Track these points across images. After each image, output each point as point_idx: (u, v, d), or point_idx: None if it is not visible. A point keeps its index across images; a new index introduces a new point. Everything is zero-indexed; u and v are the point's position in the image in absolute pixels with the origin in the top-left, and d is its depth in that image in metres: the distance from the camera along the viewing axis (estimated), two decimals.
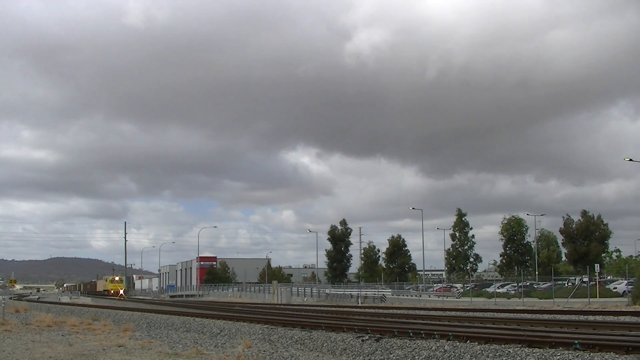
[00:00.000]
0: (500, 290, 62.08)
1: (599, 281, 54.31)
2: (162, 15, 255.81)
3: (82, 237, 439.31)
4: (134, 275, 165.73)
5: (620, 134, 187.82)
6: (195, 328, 24.21)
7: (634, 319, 24.55)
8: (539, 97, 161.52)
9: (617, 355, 12.12)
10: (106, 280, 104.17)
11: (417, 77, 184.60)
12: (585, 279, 56.20)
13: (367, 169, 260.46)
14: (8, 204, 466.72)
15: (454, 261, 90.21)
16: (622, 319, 24.92)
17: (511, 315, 28.19)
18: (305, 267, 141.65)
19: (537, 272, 76.81)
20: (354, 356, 15.79)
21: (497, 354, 13.29)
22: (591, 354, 12.38)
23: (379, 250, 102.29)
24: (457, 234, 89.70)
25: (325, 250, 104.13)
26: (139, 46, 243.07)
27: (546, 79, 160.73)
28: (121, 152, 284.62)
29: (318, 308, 41.00)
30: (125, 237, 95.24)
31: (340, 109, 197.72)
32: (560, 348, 13.11)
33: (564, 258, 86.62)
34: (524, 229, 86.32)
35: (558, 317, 26.15)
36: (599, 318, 25.67)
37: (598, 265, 56.65)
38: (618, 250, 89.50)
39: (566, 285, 61.33)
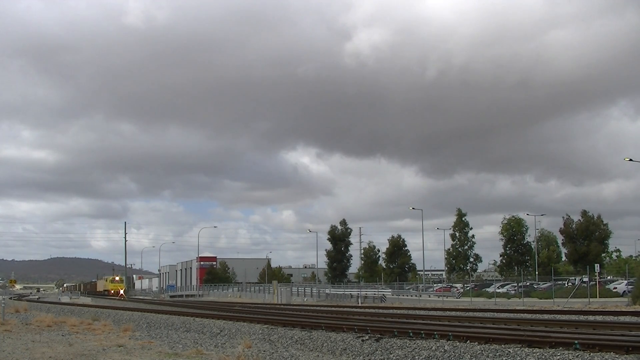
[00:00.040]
0: (500, 290, 62.08)
1: (599, 281, 54.30)
2: (162, 15, 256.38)
3: (82, 237, 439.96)
4: (134, 275, 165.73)
5: (620, 134, 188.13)
6: (195, 328, 24.21)
7: (634, 319, 24.54)
8: (539, 97, 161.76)
9: (617, 355, 12.11)
10: (106, 280, 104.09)
11: (417, 77, 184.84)
12: (585, 279, 56.19)
13: (367, 169, 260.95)
14: (8, 204, 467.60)
15: (454, 261, 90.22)
16: (622, 319, 24.92)
17: (511, 315, 28.18)
18: (305, 267, 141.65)
19: (537, 272, 76.82)
20: (354, 356, 15.79)
21: (497, 354, 13.29)
22: (591, 354, 12.37)
23: (379, 250, 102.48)
24: (457, 234, 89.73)
25: (325, 250, 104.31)
26: (139, 46, 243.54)
27: (546, 79, 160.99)
28: (121, 152, 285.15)
29: (318, 308, 41.00)
30: (125, 237, 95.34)
31: (340, 109, 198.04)
32: (560, 348, 13.11)
33: (564, 258, 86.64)
34: (524, 229, 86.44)
35: (558, 317, 26.14)
36: (599, 318, 25.66)
37: (598, 265, 56.65)
38: (618, 250, 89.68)
39: (566, 285, 61.31)
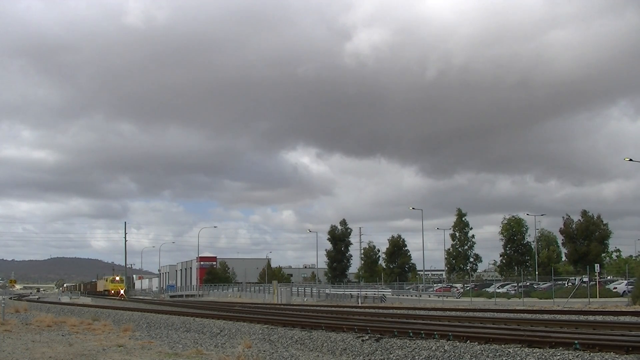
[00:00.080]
0: (500, 290, 62.09)
1: (599, 281, 54.31)
2: (162, 15, 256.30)
3: (82, 237, 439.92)
4: (134, 275, 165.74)
5: (620, 134, 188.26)
6: (195, 328, 24.21)
7: (634, 319, 24.55)
8: (539, 97, 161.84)
9: (617, 355, 12.11)
10: (106, 280, 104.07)
11: (417, 77, 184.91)
12: (585, 279, 56.21)
13: (367, 169, 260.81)
14: (8, 204, 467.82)
15: (454, 261, 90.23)
16: (622, 319, 24.92)
17: (511, 315, 28.18)
18: (305, 267, 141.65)
19: (537, 272, 76.83)
20: (354, 356, 15.79)
21: (497, 354, 13.29)
22: (591, 354, 12.37)
23: (379, 250, 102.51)
24: (457, 234, 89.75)
25: (325, 250, 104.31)
26: (139, 46, 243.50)
27: (546, 79, 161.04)
28: (121, 152, 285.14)
29: (318, 308, 40.99)
30: (125, 237, 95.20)
31: (340, 109, 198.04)
32: (560, 348, 13.11)
33: (564, 258, 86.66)
34: (524, 229, 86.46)
35: (558, 317, 26.14)
36: (599, 318, 25.66)
37: (598, 265, 56.65)
38: (618, 250, 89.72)
39: (566, 285, 61.32)
